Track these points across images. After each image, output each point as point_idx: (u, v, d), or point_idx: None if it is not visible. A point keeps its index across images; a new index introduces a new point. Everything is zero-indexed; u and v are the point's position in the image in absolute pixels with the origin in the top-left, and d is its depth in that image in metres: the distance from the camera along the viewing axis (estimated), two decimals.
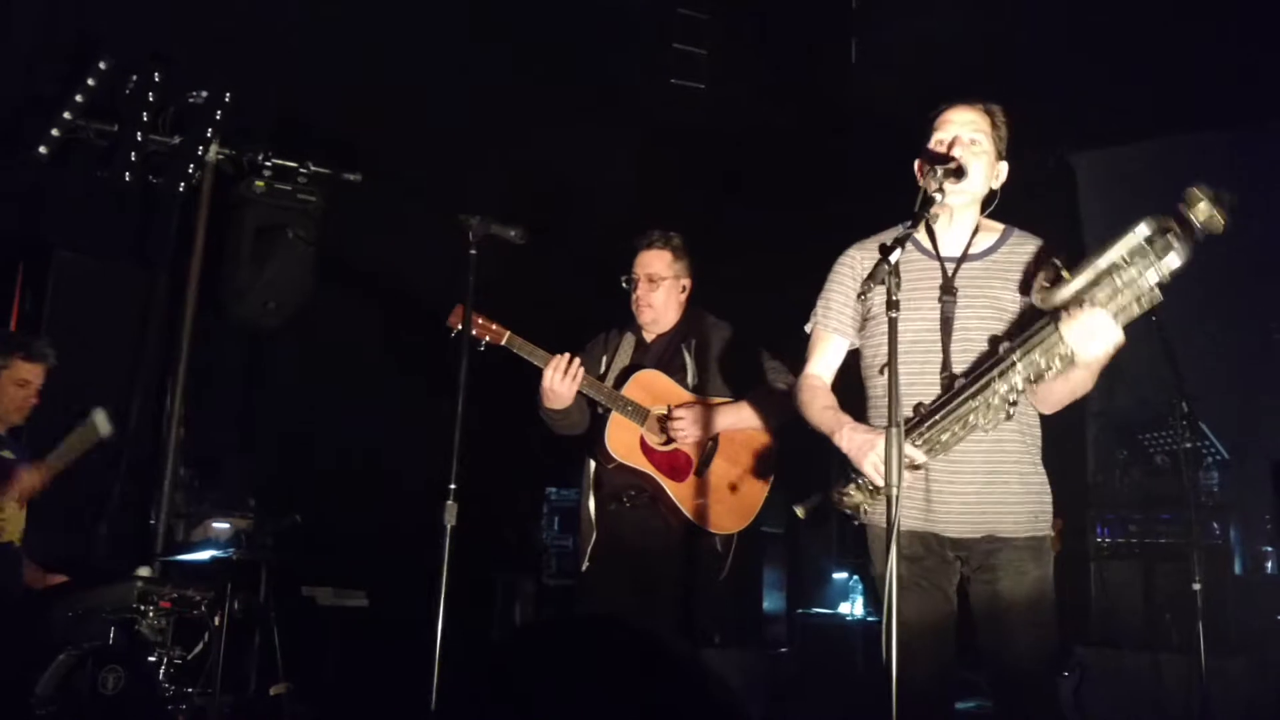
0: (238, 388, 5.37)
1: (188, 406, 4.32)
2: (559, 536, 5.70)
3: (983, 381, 2.42)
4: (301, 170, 4.13)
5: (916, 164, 2.68)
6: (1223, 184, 5.03)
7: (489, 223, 3.09)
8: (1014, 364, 2.39)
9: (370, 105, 4.76)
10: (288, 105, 4.57)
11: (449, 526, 2.87)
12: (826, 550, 6.10)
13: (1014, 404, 2.43)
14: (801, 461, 3.41)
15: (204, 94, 4.03)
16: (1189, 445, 4.27)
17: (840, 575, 5.91)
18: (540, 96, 5.15)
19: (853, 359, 2.79)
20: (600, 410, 3.48)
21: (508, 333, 3.38)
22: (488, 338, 3.36)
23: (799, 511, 2.78)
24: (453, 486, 2.90)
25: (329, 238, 4.32)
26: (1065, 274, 2.36)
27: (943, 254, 2.63)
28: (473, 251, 3.06)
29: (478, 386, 3.11)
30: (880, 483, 2.44)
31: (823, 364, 2.76)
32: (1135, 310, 2.35)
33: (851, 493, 2.57)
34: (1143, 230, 2.33)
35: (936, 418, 2.44)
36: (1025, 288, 2.57)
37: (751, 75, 5.53)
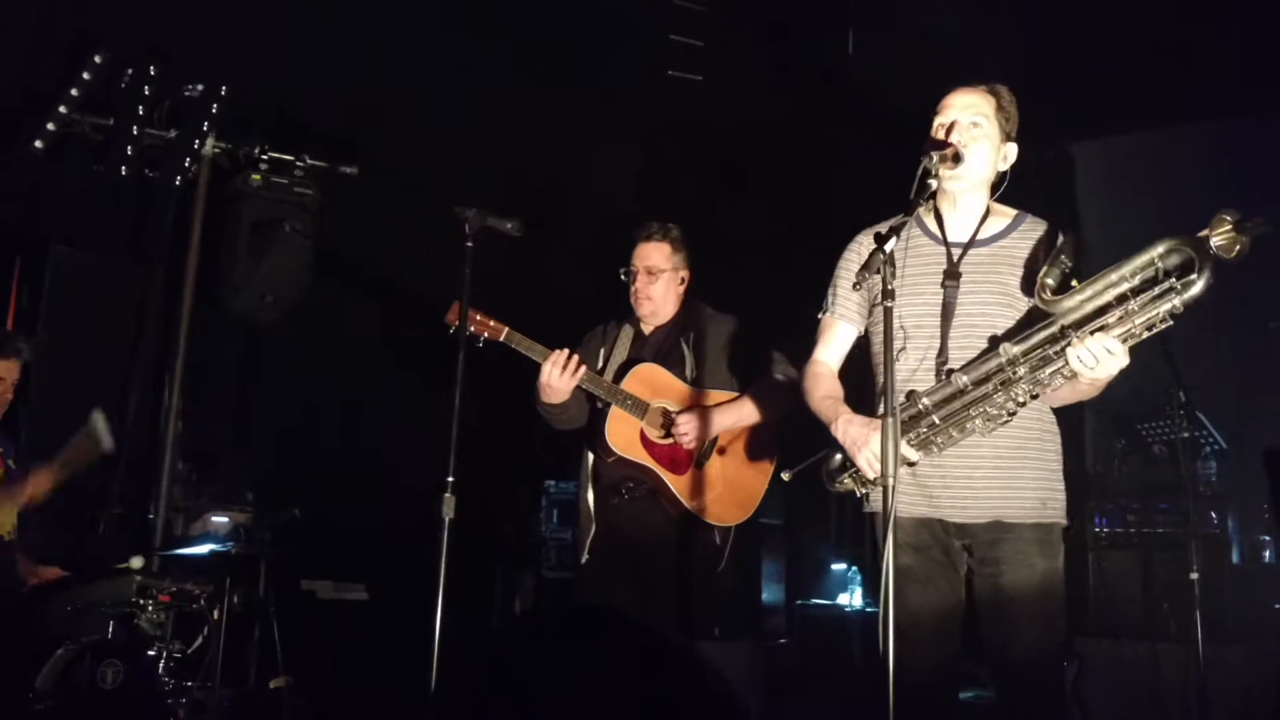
0: (235, 382, 5.37)
1: (185, 401, 4.32)
2: (558, 529, 5.70)
3: (983, 391, 2.39)
4: (298, 164, 4.12)
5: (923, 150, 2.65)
6: (1219, 174, 5.04)
7: (485, 215, 3.08)
8: (1019, 378, 2.36)
9: (366, 98, 4.74)
10: (284, 99, 4.56)
11: (447, 519, 2.87)
12: (825, 541, 6.11)
13: (1013, 413, 2.42)
14: (802, 452, 3.41)
15: (200, 88, 4.03)
16: (1187, 435, 4.28)
17: (839, 566, 5.92)
18: (536, 89, 5.13)
19: (858, 349, 2.78)
20: (599, 404, 3.48)
21: (506, 328, 3.38)
22: (486, 333, 3.36)
23: (784, 476, 2.77)
24: (451, 479, 2.90)
25: (326, 231, 4.31)
26: (1075, 283, 2.30)
27: (950, 239, 2.61)
28: (469, 244, 3.06)
29: (476, 380, 3.11)
30: (873, 476, 2.45)
31: (830, 350, 2.76)
32: (1144, 335, 2.27)
33: (845, 481, 2.58)
34: (1160, 251, 2.24)
35: (935, 420, 2.42)
36: (1033, 276, 2.51)
37: (749, 67, 5.52)
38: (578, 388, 3.40)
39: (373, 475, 5.18)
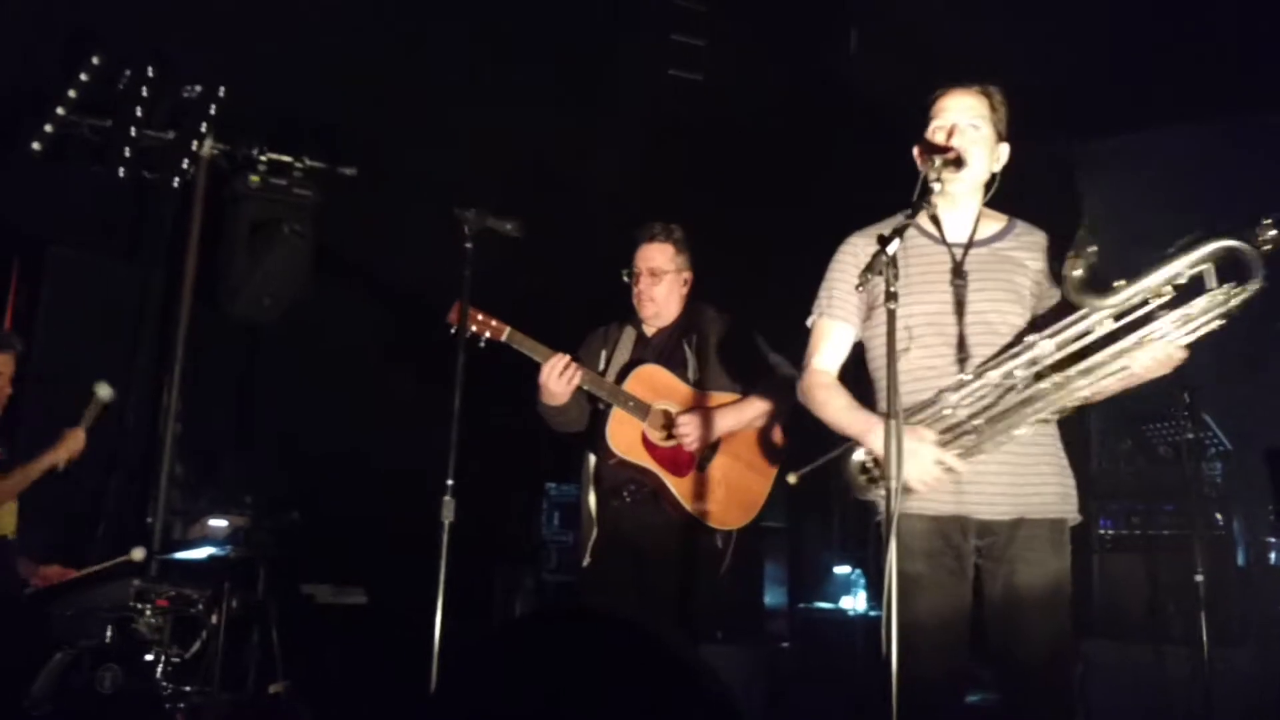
0: (234, 384, 5.36)
1: (184, 403, 4.31)
2: (558, 532, 5.69)
3: (1031, 395, 2.38)
4: (297, 165, 4.12)
5: (916, 150, 2.66)
6: (1225, 173, 5.02)
7: (485, 216, 3.08)
8: (1070, 382, 2.36)
9: (365, 99, 4.74)
10: (283, 100, 4.55)
11: (447, 522, 2.86)
12: (828, 544, 6.09)
13: (1066, 412, 2.43)
14: (805, 454, 3.40)
15: (198, 89, 4.02)
16: (1191, 436, 4.26)
17: (841, 570, 5.90)
18: (536, 88, 5.13)
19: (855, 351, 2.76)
20: (601, 406, 3.47)
21: (508, 328, 3.37)
22: (488, 333, 3.34)
23: (790, 479, 2.73)
24: (450, 482, 2.90)
25: (325, 233, 4.31)
26: (1120, 282, 2.30)
27: (949, 240, 2.61)
28: (468, 245, 3.05)
29: (477, 381, 3.10)
30: (919, 488, 2.40)
31: (829, 356, 2.68)
32: (1196, 336, 2.30)
33: (878, 490, 2.49)
34: (1210, 249, 2.25)
35: (980, 424, 2.41)
36: (1037, 275, 2.58)
37: (751, 66, 5.51)
38: (579, 389, 3.39)
39: (373, 478, 5.17)
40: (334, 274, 4.63)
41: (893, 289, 2.21)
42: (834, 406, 2.60)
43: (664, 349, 3.57)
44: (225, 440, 5.23)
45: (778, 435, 3.56)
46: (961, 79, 2.64)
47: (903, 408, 2.46)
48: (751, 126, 5.54)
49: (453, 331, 3.21)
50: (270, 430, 5.32)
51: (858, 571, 5.69)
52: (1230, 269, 2.26)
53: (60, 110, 3.85)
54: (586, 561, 3.46)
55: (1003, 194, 2.70)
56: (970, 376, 2.43)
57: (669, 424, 3.43)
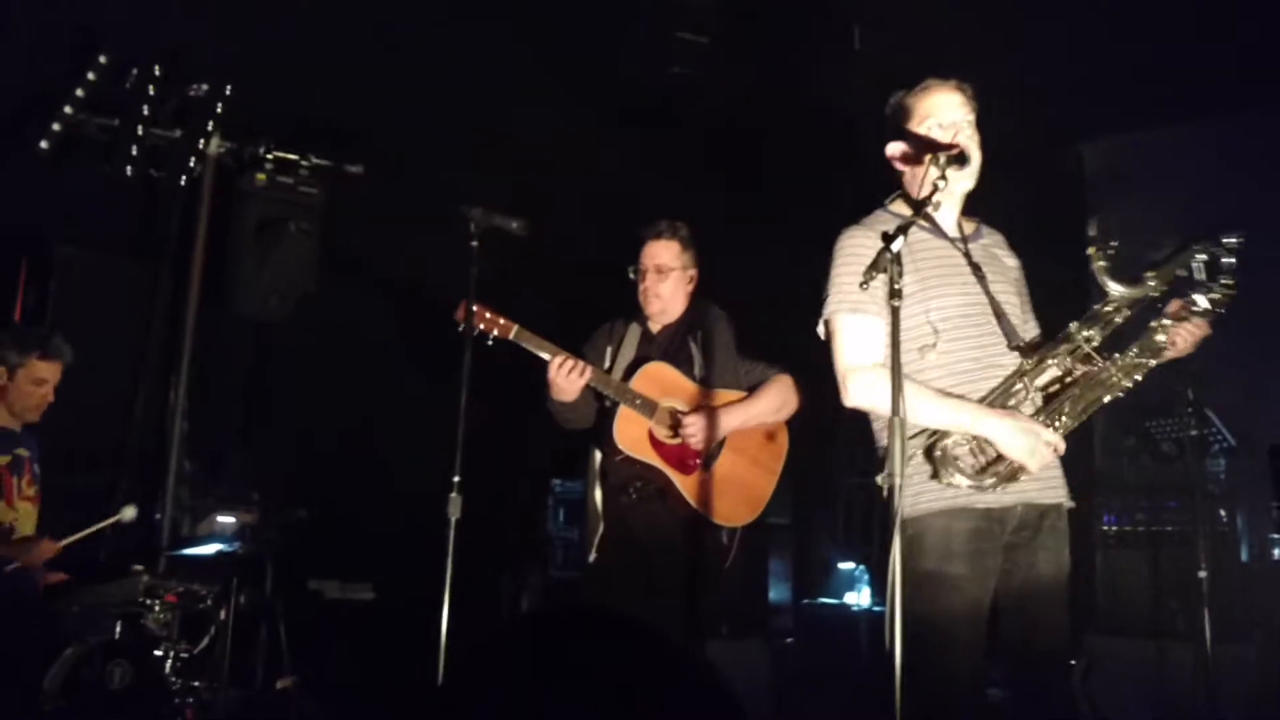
0: (242, 381, 5.37)
1: (191, 401, 4.31)
2: (564, 528, 5.70)
3: (1103, 364, 2.45)
4: (303, 163, 4.10)
5: (899, 149, 2.65)
6: (1228, 171, 5.02)
7: (491, 215, 3.08)
8: (1132, 364, 2.45)
9: (372, 97, 4.74)
10: (289, 98, 4.55)
11: (454, 519, 2.87)
12: (833, 541, 6.10)
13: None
14: (810, 451, 3.42)
15: (205, 87, 4.01)
16: (1195, 433, 4.26)
17: (846, 565, 5.91)
18: (543, 87, 5.13)
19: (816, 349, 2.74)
20: (608, 403, 3.47)
21: (515, 326, 3.36)
22: (495, 331, 3.34)
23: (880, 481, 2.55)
24: (457, 479, 2.90)
25: (332, 231, 4.31)
26: (1149, 274, 2.43)
27: (949, 236, 2.64)
28: (474, 244, 3.06)
29: (484, 378, 3.10)
30: (1034, 468, 2.44)
31: (874, 351, 2.54)
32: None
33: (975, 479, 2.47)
34: (1195, 250, 2.42)
35: (1066, 407, 2.47)
36: (1015, 272, 2.70)
37: (755, 63, 5.50)
38: (587, 386, 3.40)
39: (380, 475, 5.18)
40: (340, 272, 4.63)
41: (897, 286, 2.20)
42: (921, 399, 2.44)
43: (669, 346, 3.58)
44: (233, 437, 5.24)
45: (784, 433, 3.56)
46: (938, 77, 2.67)
47: (895, 409, 2.48)
48: (756, 123, 5.53)
49: (459, 329, 3.21)
50: (278, 427, 5.33)
51: (861, 567, 5.70)
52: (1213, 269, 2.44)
53: (67, 109, 3.84)
54: (593, 557, 3.46)
55: (1010, 195, 2.72)
56: (1033, 365, 2.48)
57: (675, 422, 3.43)
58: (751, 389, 3.53)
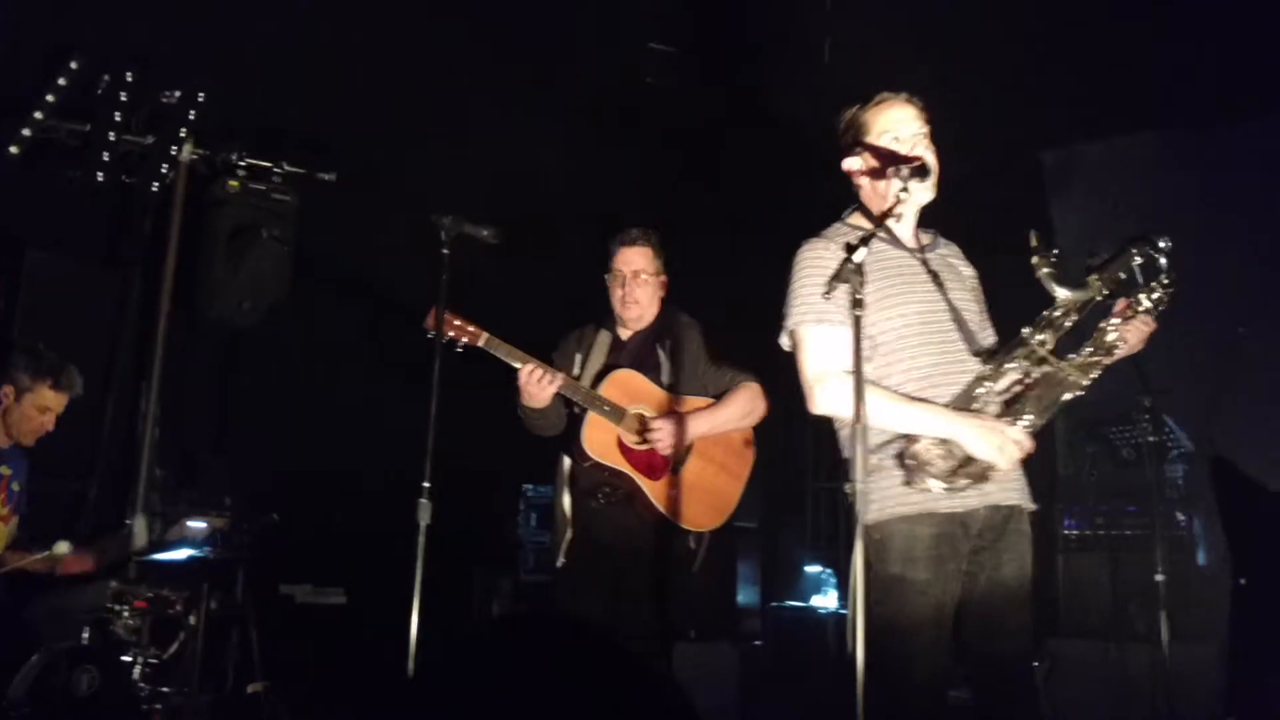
0: (214, 387, 5.33)
1: (163, 407, 4.28)
2: (536, 533, 5.70)
3: (1059, 365, 2.48)
4: (276, 170, 4.09)
5: (858, 164, 2.68)
6: (1188, 181, 5.08)
7: (461, 222, 3.09)
8: (1087, 363, 2.50)
9: (345, 105, 4.72)
10: (262, 105, 4.53)
11: (423, 525, 2.87)
12: (800, 544, 6.12)
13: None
14: (778, 457, 3.43)
15: (177, 94, 3.99)
16: (1153, 439, 4.32)
17: (813, 569, 5.94)
18: (516, 95, 5.13)
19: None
20: (576, 409, 3.48)
21: (485, 334, 3.36)
22: (465, 339, 3.34)
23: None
24: (427, 485, 2.90)
25: (304, 237, 4.29)
26: (1093, 277, 2.47)
27: (907, 246, 2.67)
28: (445, 251, 3.05)
29: (455, 383, 3.10)
30: (1005, 466, 2.47)
31: (839, 359, 2.54)
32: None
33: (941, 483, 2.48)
34: (1159, 244, 2.47)
35: (1027, 405, 2.50)
36: (971, 281, 2.75)
37: (726, 74, 5.53)
38: (556, 393, 3.40)
39: (352, 479, 5.16)
40: (313, 278, 4.61)
41: (859, 296, 2.22)
42: (886, 405, 2.48)
43: (638, 353, 3.59)
44: (204, 443, 5.19)
45: (750, 439, 3.58)
46: (890, 90, 2.69)
47: (858, 416, 2.50)
48: (727, 134, 5.56)
49: (430, 336, 3.21)
50: (249, 433, 5.29)
51: (829, 571, 5.72)
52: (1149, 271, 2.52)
53: (38, 115, 3.81)
54: (561, 562, 3.47)
55: (971, 202, 2.75)
56: (992, 370, 2.50)
57: (643, 428, 3.44)
58: (719, 395, 3.54)
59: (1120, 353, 2.53)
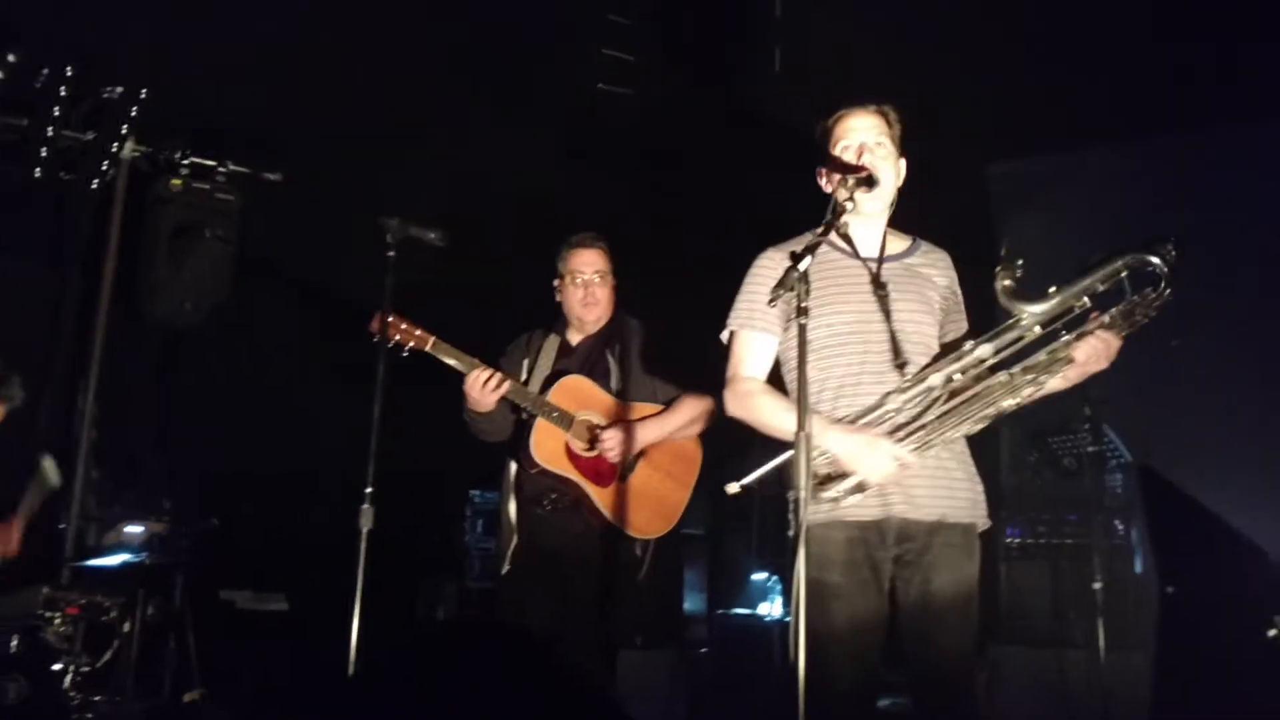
0: (154, 388, 5.23)
1: (101, 408, 4.18)
2: (482, 540, 5.66)
3: (977, 394, 2.44)
4: (220, 169, 4.02)
5: (822, 172, 2.70)
6: (1132, 196, 5.16)
7: (408, 225, 3.05)
8: (1015, 380, 2.45)
9: (292, 104, 4.66)
10: (207, 104, 4.45)
11: (365, 530, 2.82)
12: (746, 551, 6.13)
13: (1005, 414, 2.50)
14: (727, 462, 3.42)
15: (119, 90, 3.91)
16: (1093, 449, 4.38)
17: (759, 576, 5.95)
18: (467, 99, 5.09)
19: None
20: (525, 415, 3.46)
21: (432, 338, 3.33)
22: (412, 343, 3.30)
23: (731, 488, 2.61)
24: (369, 490, 2.86)
25: (248, 237, 4.22)
26: (1052, 289, 2.43)
27: (862, 255, 2.66)
28: (391, 254, 3.02)
29: (401, 387, 3.06)
30: (876, 481, 2.44)
31: (756, 365, 2.68)
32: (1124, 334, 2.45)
33: (831, 491, 2.49)
34: (1126, 260, 2.42)
35: (929, 423, 2.46)
36: (945, 292, 2.68)
37: (678, 82, 5.54)
38: (503, 399, 3.37)
39: (295, 483, 5.09)
40: (257, 279, 4.54)
41: (803, 304, 2.22)
42: (775, 410, 2.57)
43: (587, 358, 3.57)
44: (144, 446, 5.09)
45: (698, 447, 3.57)
46: (859, 99, 2.70)
47: (840, 416, 2.52)
48: (678, 142, 5.56)
49: (375, 340, 3.16)
50: (190, 436, 5.20)
51: (775, 578, 5.74)
52: (1140, 279, 2.45)
53: None
54: (506, 569, 3.44)
55: (917, 217, 2.76)
56: (909, 381, 2.48)
57: (592, 435, 3.42)
58: (668, 403, 3.53)
59: (1071, 373, 2.46)
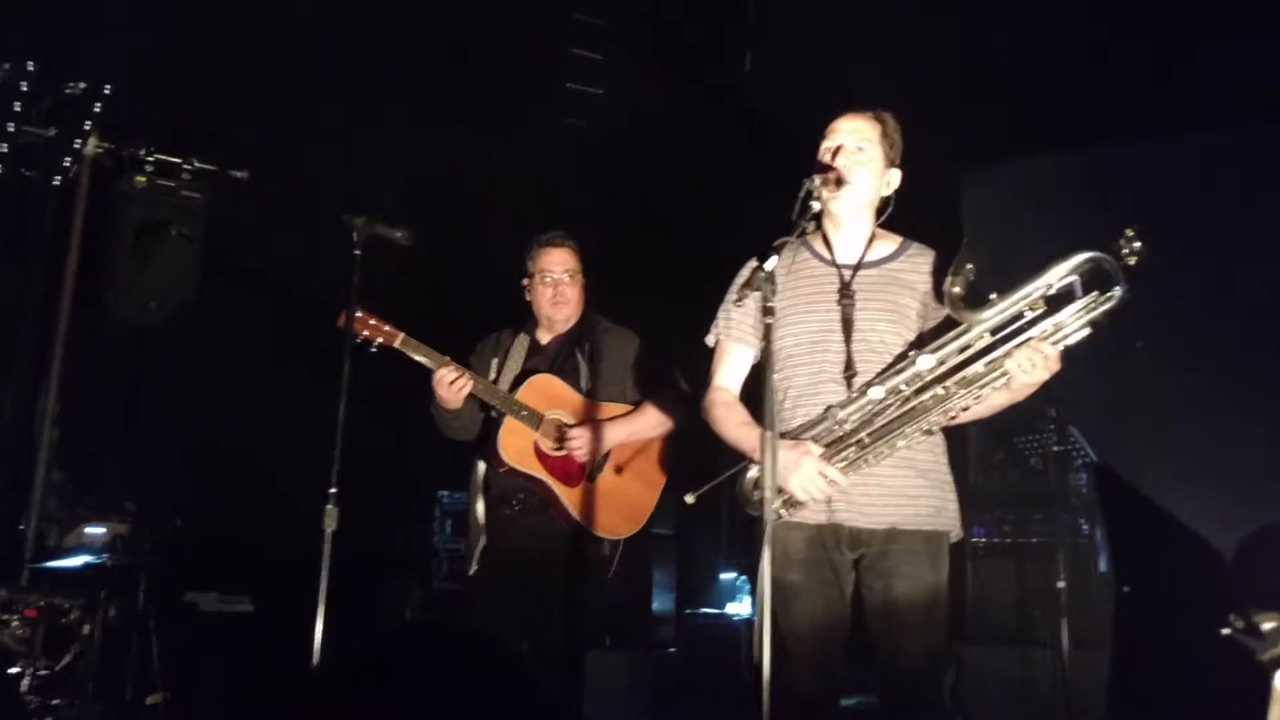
0: (118, 388, 5.15)
1: (64, 407, 4.13)
2: (450, 540, 5.63)
3: (914, 404, 2.42)
4: (185, 166, 3.98)
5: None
6: (1104, 200, 5.21)
7: (374, 223, 3.02)
8: (951, 393, 2.41)
9: (258, 101, 4.61)
10: (172, 100, 4.40)
11: (329, 531, 2.79)
12: (715, 551, 6.14)
13: (943, 426, 2.49)
14: (696, 464, 3.42)
15: (82, 85, 3.86)
16: (1058, 449, 4.42)
17: (728, 576, 5.96)
18: (436, 98, 5.06)
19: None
20: (493, 414, 3.44)
21: (401, 334, 3.30)
22: (380, 339, 3.27)
23: (689, 499, 2.69)
24: (334, 490, 2.82)
25: (214, 235, 4.18)
26: (994, 295, 2.38)
27: (839, 261, 2.65)
28: (357, 253, 2.99)
29: (368, 386, 3.04)
30: (803, 499, 2.45)
31: (729, 376, 2.73)
32: (1069, 343, 2.38)
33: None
34: (1077, 262, 2.36)
35: (863, 438, 2.43)
36: (925, 296, 2.62)
37: (648, 82, 5.54)
38: (472, 397, 3.35)
39: (262, 484, 5.03)
40: (222, 278, 4.50)
41: (770, 304, 2.22)
42: (730, 423, 2.63)
43: (557, 357, 3.56)
44: (107, 446, 5.02)
45: (667, 448, 3.56)
46: (858, 104, 2.69)
47: (794, 426, 2.53)
48: (648, 141, 5.55)
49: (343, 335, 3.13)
50: (154, 436, 5.13)
51: (743, 578, 5.74)
52: (1097, 281, 2.38)
53: None
54: (473, 569, 3.42)
55: (885, 220, 2.74)
56: (855, 393, 2.47)
57: (561, 434, 3.41)
58: (637, 403, 3.53)
59: (1014, 384, 2.39)
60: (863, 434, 2.45)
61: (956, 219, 5.88)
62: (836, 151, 2.61)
